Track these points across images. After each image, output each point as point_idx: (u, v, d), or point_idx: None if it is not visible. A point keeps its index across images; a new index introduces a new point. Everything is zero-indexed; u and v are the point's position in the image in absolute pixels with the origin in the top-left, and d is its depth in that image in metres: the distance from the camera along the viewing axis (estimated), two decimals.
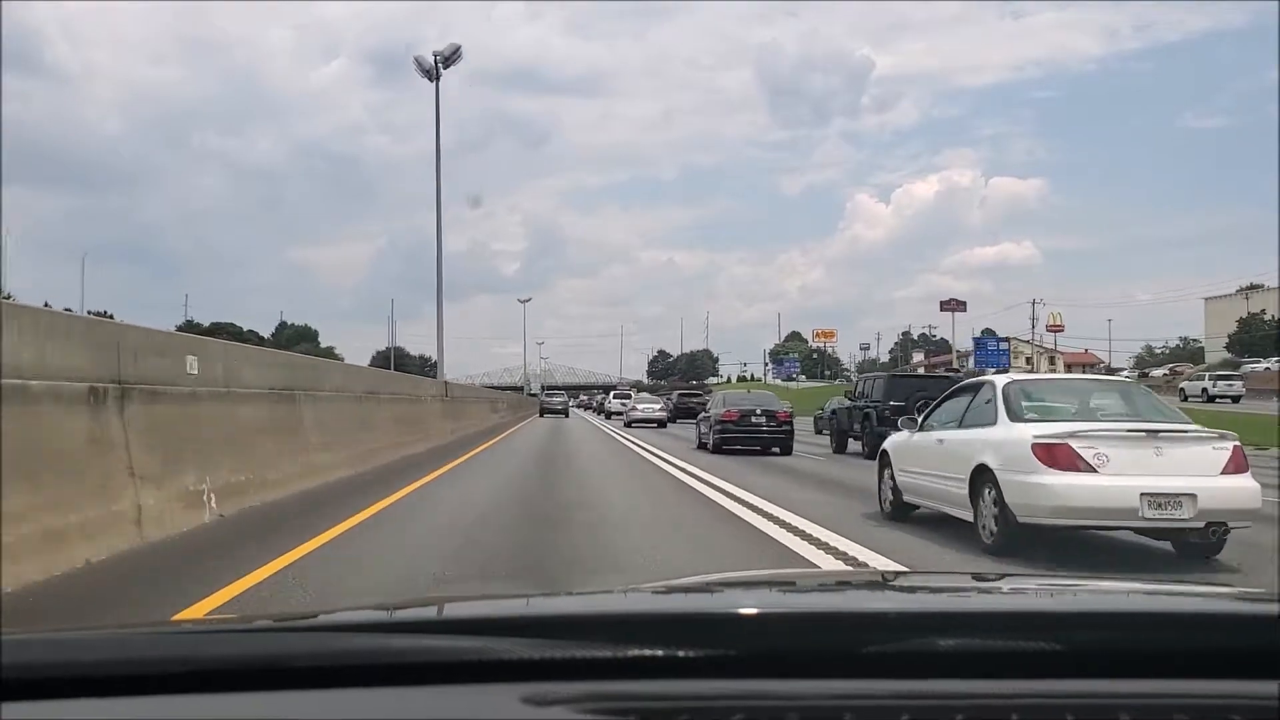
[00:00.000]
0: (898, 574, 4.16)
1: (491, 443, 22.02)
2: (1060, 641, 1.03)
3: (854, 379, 44.02)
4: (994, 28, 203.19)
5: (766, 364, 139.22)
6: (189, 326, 74.22)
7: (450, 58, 31.37)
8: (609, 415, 49.61)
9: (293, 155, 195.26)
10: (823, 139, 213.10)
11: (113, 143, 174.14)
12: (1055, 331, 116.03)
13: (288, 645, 1.06)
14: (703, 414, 22.53)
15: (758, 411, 20.16)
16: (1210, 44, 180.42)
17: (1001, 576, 3.12)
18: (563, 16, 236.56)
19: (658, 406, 39.36)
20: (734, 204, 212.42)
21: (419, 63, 31.37)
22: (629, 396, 52.65)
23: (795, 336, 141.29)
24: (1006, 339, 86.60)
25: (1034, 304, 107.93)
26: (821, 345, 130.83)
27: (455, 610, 1.41)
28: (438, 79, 31.12)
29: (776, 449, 19.67)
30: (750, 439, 19.70)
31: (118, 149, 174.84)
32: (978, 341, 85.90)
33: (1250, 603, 1.45)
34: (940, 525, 7.71)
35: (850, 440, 20.81)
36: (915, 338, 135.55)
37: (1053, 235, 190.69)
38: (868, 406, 19.45)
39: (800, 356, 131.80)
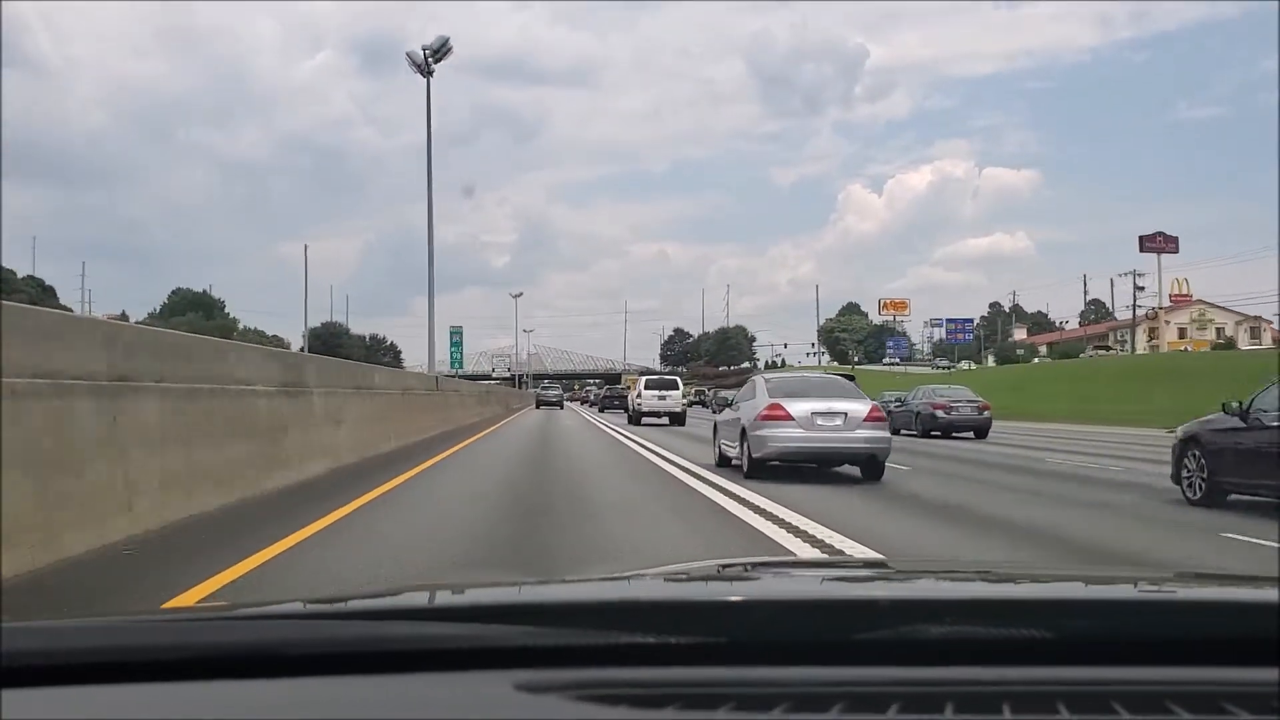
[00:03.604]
0: (888, 561, 4.29)
1: None
2: (1052, 629, 1.02)
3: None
4: (988, 17, 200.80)
5: (813, 346, 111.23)
6: None
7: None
8: (637, 418, 30.84)
9: (278, 149, 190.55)
10: (815, 130, 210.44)
11: (95, 137, 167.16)
12: (1181, 302, 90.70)
13: (281, 632, 1.05)
14: None
15: None
16: (1205, 33, 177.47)
17: (992, 564, 3.15)
18: (550, 6, 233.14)
19: (866, 410, 11.84)
20: (725, 196, 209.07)
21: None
22: (673, 385, 32.16)
23: (852, 309, 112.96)
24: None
25: None
26: (890, 319, 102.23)
27: (448, 598, 1.39)
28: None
29: None
30: None
31: (100, 143, 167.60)
32: None
33: (1246, 589, 1.42)
34: None
35: None
36: (1012, 309, 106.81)
37: (1045, 226, 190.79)
38: None
39: (864, 334, 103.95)
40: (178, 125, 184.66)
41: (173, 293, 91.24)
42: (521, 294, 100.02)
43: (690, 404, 39.43)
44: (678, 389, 31.61)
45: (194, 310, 76.28)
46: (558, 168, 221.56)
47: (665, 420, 30.09)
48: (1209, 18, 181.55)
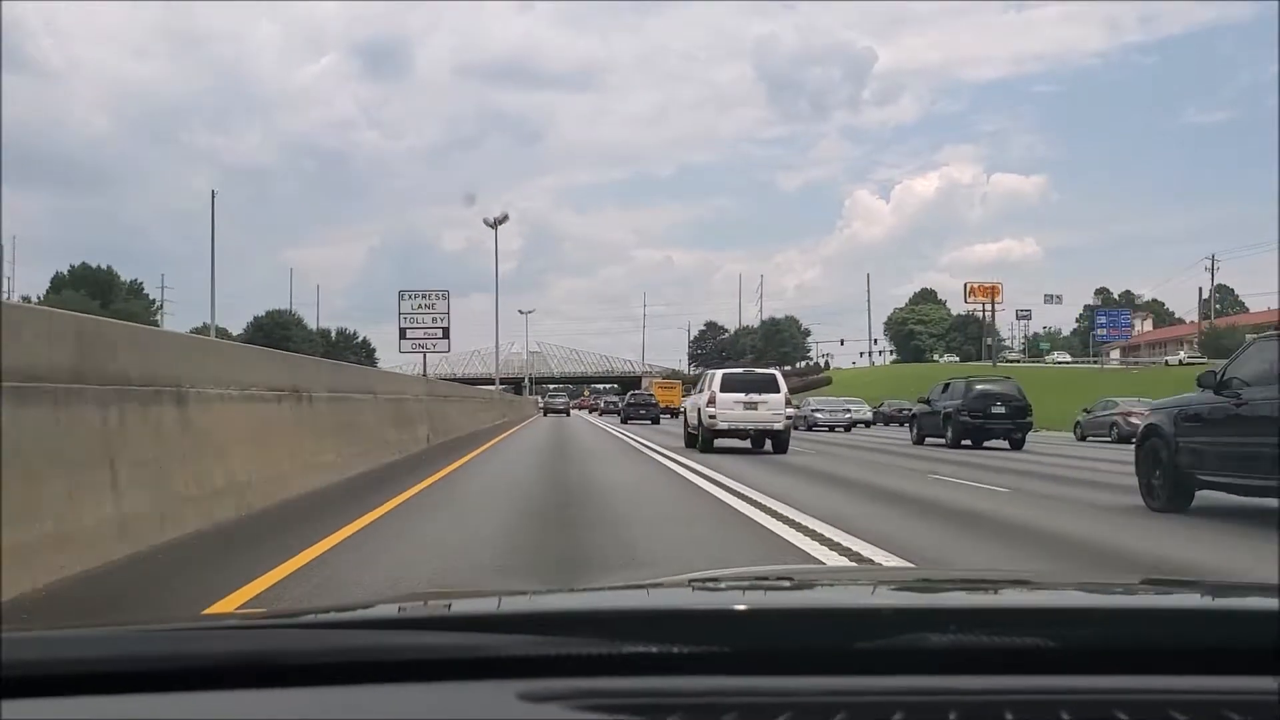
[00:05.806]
0: (891, 570, 4.47)
1: None
2: (1055, 637, 1.02)
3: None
4: (996, 20, 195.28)
5: (875, 342, 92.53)
6: None
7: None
8: (707, 440, 18.47)
9: (281, 153, 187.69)
10: (822, 135, 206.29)
11: (96, 140, 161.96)
12: None
13: (282, 642, 1.05)
14: None
15: None
16: (1214, 37, 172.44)
17: (1000, 573, 3.01)
18: (554, 8, 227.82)
19: None
20: (731, 201, 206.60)
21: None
22: (771, 384, 19.09)
23: (927, 296, 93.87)
24: None
25: None
26: (980, 307, 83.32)
27: (452, 607, 1.40)
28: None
29: None
30: None
31: (101, 147, 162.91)
32: None
33: (1247, 597, 1.42)
34: None
35: None
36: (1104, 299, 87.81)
37: (1054, 232, 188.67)
38: None
39: (945, 328, 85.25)
40: (180, 129, 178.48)
41: (71, 268, 74.21)
42: (506, 217, 52.13)
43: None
44: (779, 391, 18.90)
45: (77, 289, 58.93)
46: (562, 172, 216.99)
47: (748, 442, 18.87)
48: (1218, 21, 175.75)
